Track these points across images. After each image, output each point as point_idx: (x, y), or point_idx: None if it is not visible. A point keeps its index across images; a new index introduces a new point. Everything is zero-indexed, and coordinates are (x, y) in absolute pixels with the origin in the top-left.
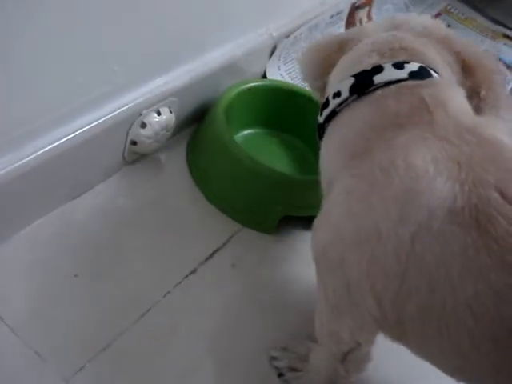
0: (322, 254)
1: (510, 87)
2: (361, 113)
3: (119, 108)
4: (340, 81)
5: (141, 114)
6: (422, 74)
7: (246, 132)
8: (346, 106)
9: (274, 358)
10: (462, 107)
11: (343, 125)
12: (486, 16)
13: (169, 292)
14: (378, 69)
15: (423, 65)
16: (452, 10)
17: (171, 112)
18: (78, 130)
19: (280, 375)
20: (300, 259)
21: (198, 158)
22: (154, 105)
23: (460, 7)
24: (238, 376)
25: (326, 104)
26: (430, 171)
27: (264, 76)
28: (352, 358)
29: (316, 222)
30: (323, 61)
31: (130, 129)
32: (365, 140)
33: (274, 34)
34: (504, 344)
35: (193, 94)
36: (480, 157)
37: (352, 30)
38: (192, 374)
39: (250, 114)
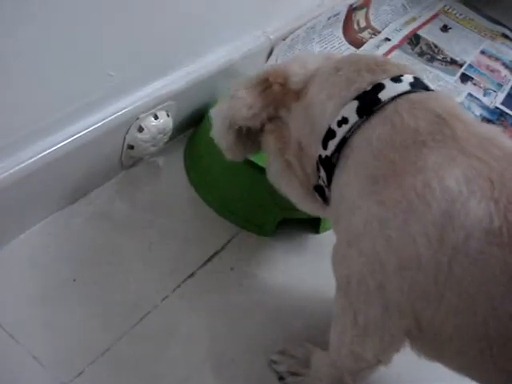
0: (357, 284)
1: (509, 88)
2: (375, 133)
3: (116, 112)
4: (336, 107)
5: (138, 118)
6: (419, 84)
7: None
8: (356, 130)
9: (273, 362)
10: (470, 116)
11: (358, 148)
12: (485, 16)
13: (167, 296)
14: (380, 86)
15: (414, 75)
16: (450, 11)
17: (168, 116)
18: (76, 134)
19: (280, 379)
20: (299, 262)
21: (195, 163)
22: (152, 109)
23: (458, 7)
24: (237, 380)
25: (332, 135)
26: (463, 192)
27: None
28: (366, 371)
29: (340, 251)
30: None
31: (127, 133)
32: (387, 162)
33: (271, 37)
34: None
35: (190, 98)
36: (510, 172)
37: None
38: (191, 378)
39: None
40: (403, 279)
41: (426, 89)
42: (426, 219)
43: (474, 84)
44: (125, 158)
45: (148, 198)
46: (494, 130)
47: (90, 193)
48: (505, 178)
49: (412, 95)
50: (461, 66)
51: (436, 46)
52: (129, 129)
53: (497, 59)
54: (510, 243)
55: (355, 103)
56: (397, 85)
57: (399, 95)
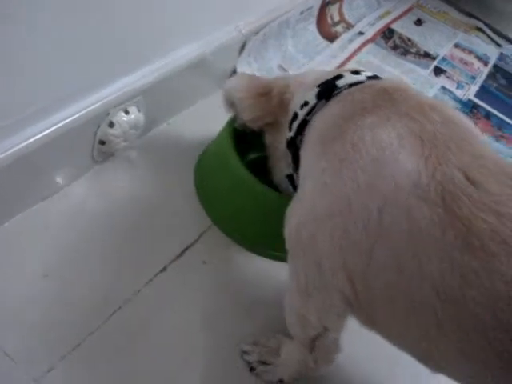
0: (295, 236)
1: (482, 80)
2: (330, 110)
3: (86, 107)
4: (302, 96)
5: (108, 114)
6: (376, 78)
7: (253, 155)
8: (316, 113)
9: (245, 352)
10: (419, 92)
11: (316, 126)
12: (459, 9)
13: (139, 290)
14: (339, 76)
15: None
16: (424, 4)
17: (139, 111)
18: (46, 129)
19: (252, 369)
20: None
21: (205, 183)
22: (122, 104)
23: (432, 1)
24: (209, 372)
25: (295, 117)
26: (394, 144)
27: (234, 73)
28: (320, 345)
29: (288, 209)
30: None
31: (98, 128)
32: (336, 128)
33: (243, 31)
34: (469, 328)
35: (161, 93)
36: (444, 136)
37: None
38: (163, 372)
39: (258, 138)
40: (333, 227)
41: None
42: (356, 165)
43: (448, 77)
44: (96, 153)
45: (121, 194)
46: (440, 102)
47: (62, 189)
48: (437, 139)
49: (367, 82)
50: (434, 59)
51: (410, 40)
52: (100, 124)
53: (470, 52)
54: (437, 202)
55: (316, 89)
56: (355, 76)
57: (356, 83)
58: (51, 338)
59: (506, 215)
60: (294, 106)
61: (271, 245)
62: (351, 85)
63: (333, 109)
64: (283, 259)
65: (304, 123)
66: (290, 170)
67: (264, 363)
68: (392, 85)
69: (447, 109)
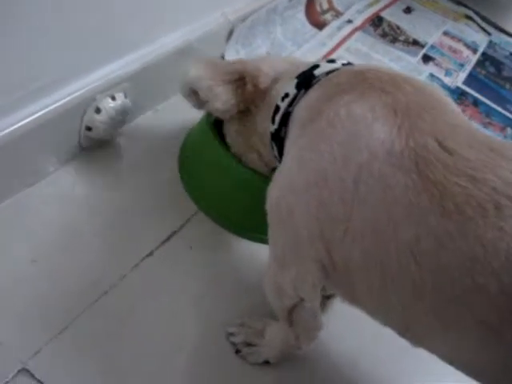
0: (274, 209)
1: (470, 68)
2: (309, 97)
3: (72, 93)
4: (282, 88)
5: (95, 100)
6: (351, 65)
7: None
8: (297, 103)
9: (230, 334)
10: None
11: (297, 115)
12: None
13: (125, 275)
14: (317, 66)
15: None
16: None
17: (126, 97)
18: (31, 115)
19: (237, 352)
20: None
21: (189, 169)
22: (108, 90)
23: None
24: (196, 356)
25: (277, 109)
26: (368, 117)
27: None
28: (298, 318)
29: (269, 187)
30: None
31: (84, 114)
32: (315, 110)
33: (231, 18)
34: (446, 294)
35: (148, 79)
36: (416, 105)
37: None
38: (150, 356)
39: None
40: (310, 199)
41: None
42: (332, 139)
43: (436, 64)
44: (83, 139)
45: (108, 180)
46: (414, 76)
47: (49, 175)
48: (410, 109)
49: (343, 68)
50: (423, 46)
51: (398, 28)
52: (86, 110)
53: (459, 40)
54: (411, 168)
55: (295, 80)
56: (330, 64)
57: (333, 71)
58: (38, 322)
59: (481, 180)
60: (275, 98)
61: (258, 228)
62: (328, 73)
63: (312, 95)
64: None
65: (287, 115)
66: (277, 163)
67: (249, 345)
68: (366, 66)
69: (421, 81)
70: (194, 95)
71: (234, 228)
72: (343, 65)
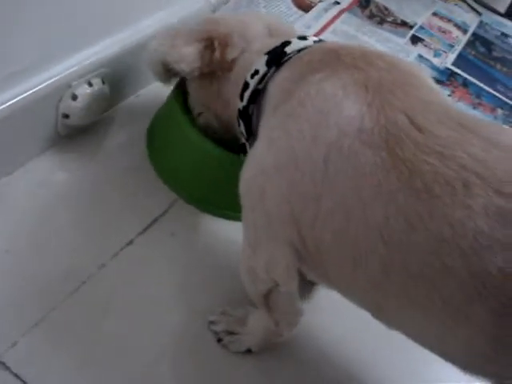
0: (246, 191)
1: (460, 48)
2: (280, 76)
3: (47, 80)
4: (252, 64)
5: (71, 86)
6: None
7: None
8: (268, 81)
9: (212, 323)
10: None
11: (270, 95)
12: None
13: (104, 265)
14: (288, 42)
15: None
16: None
17: (104, 83)
18: (4, 103)
19: (219, 340)
20: (238, 226)
21: (159, 150)
22: (85, 76)
23: None
24: (177, 345)
25: (246, 86)
26: (338, 94)
27: None
28: (275, 303)
29: (242, 169)
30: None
31: (60, 101)
32: (286, 91)
33: (213, 0)
34: (415, 275)
35: (127, 64)
36: (389, 82)
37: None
38: (129, 347)
39: None
40: (281, 178)
41: None
42: (301, 118)
43: (425, 45)
44: (61, 127)
45: (87, 168)
46: (388, 54)
47: (27, 163)
48: (382, 85)
49: (315, 45)
50: (411, 27)
51: (386, 9)
52: (62, 97)
53: (449, 20)
54: (380, 145)
55: (265, 57)
56: (302, 41)
57: (304, 48)
58: (13, 314)
59: (450, 157)
60: (243, 69)
61: (221, 203)
62: (299, 50)
63: (283, 75)
64: None
65: (256, 92)
66: (243, 139)
67: (231, 333)
68: (338, 44)
69: (396, 57)
70: (163, 66)
71: (213, 209)
72: (315, 42)
